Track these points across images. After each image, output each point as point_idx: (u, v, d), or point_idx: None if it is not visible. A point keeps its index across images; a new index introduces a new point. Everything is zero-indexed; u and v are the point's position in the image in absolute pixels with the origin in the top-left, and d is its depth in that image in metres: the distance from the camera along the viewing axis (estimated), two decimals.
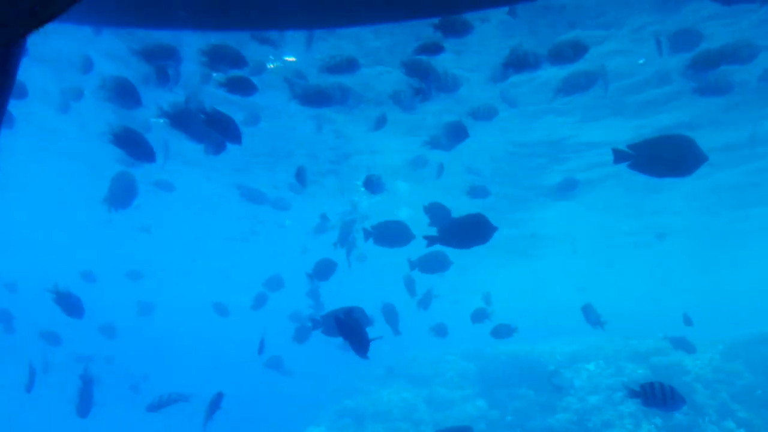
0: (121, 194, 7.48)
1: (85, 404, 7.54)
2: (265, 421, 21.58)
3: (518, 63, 6.52)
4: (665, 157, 4.91)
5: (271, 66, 9.33)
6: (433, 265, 8.08)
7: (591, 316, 8.68)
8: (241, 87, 6.48)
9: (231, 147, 6.09)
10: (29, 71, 9.91)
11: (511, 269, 33.38)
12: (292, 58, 9.37)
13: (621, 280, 38.31)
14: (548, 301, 43.22)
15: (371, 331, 5.15)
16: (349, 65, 7.34)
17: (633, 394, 5.66)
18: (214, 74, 7.97)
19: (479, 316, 10.00)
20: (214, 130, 5.57)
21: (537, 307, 43.32)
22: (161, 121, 5.66)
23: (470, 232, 5.67)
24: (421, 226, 6.67)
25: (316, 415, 17.24)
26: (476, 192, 10.26)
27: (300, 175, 8.36)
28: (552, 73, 9.05)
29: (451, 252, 7.35)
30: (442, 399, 16.05)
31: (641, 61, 9.47)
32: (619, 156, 4.87)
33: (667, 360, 13.21)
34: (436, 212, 7.12)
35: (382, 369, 19.65)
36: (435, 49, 6.38)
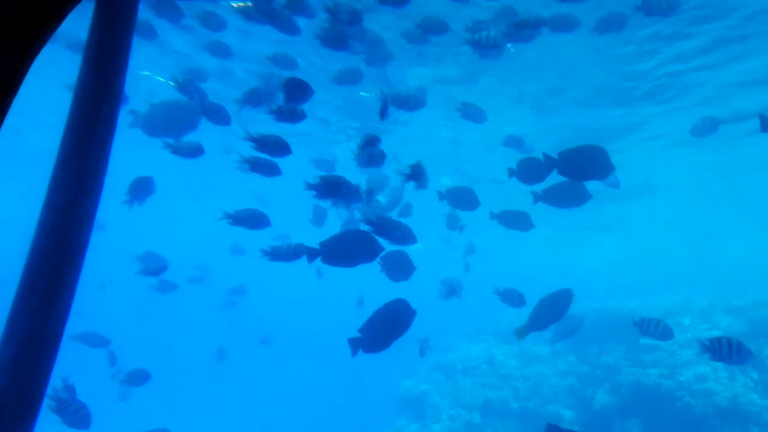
0: (177, 123, 7.15)
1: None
2: (367, 375, 23.04)
3: None
4: None
5: None
6: (513, 221, 8.03)
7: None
8: None
9: None
10: None
11: (597, 227, 32.54)
12: None
13: (718, 232, 36.23)
14: (639, 257, 41.81)
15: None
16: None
17: (704, 348, 5.75)
18: None
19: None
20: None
21: (628, 262, 42.10)
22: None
23: (588, 163, 5.32)
24: None
25: (411, 370, 18.07)
26: (510, 141, 10.20)
27: None
28: None
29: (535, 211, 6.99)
30: (531, 355, 16.32)
31: None
32: (766, 125, 4.77)
33: (766, 313, 12.70)
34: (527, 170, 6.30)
35: (473, 327, 20.18)
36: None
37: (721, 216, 29.94)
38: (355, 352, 4.75)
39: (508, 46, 9.48)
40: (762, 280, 17.38)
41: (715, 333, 13.08)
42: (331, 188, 5.50)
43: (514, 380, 15.08)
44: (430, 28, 7.75)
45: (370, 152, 5.74)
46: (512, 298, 8.52)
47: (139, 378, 9.13)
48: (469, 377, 15.73)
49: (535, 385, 14.89)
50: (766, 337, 12.16)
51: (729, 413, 10.86)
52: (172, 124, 7.20)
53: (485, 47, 7.25)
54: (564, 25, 7.81)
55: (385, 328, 4.78)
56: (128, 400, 13.92)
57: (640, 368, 12.71)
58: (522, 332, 6.67)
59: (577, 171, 5.46)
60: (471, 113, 8.51)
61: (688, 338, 13.29)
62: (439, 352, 18.29)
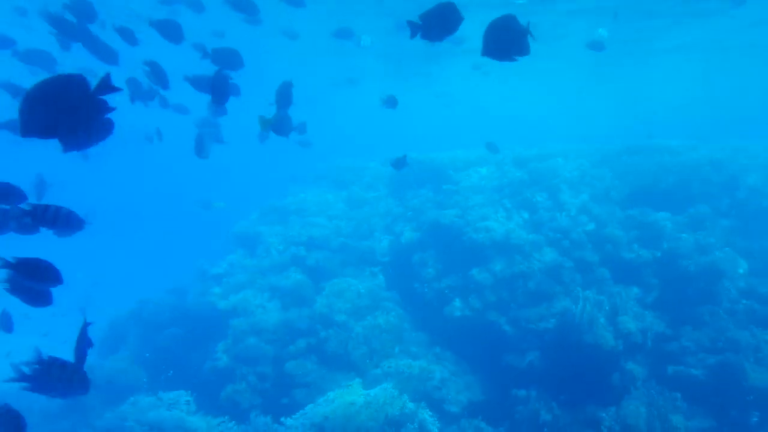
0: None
1: None
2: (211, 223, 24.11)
3: None
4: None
5: None
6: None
7: None
8: None
9: None
10: None
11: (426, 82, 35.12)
12: None
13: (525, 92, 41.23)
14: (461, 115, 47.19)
15: None
16: None
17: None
18: None
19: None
20: None
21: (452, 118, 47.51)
22: None
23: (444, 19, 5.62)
24: None
25: (248, 213, 19.26)
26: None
27: None
28: None
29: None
30: (357, 199, 18.14)
31: None
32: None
33: (543, 165, 15.21)
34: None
35: (314, 174, 21.57)
36: None
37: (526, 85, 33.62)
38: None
39: None
40: (546, 139, 20.42)
41: (505, 181, 15.55)
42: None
43: (339, 220, 16.86)
44: None
45: None
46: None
47: None
48: (300, 218, 17.26)
49: (357, 225, 16.82)
50: (538, 185, 14.72)
51: (501, 245, 13.36)
52: None
53: None
54: None
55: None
56: None
57: (440, 209, 14.89)
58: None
59: (436, 29, 5.79)
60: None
61: (482, 185, 15.65)
62: (277, 197, 19.56)
